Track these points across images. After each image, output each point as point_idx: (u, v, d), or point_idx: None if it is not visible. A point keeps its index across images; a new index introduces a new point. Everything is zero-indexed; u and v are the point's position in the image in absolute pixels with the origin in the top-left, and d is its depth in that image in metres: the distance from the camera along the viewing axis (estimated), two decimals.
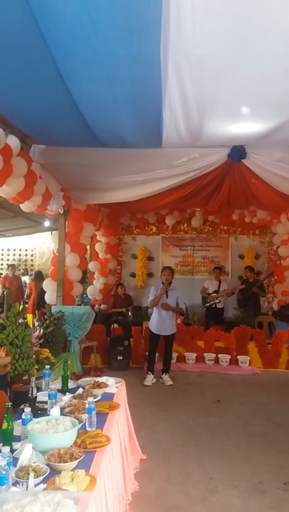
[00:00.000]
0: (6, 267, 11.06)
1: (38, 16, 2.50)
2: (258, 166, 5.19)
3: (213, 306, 8.04)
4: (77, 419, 2.43)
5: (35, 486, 1.82)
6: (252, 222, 9.54)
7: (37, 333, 4.59)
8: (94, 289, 9.58)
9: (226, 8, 2.43)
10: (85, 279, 9.35)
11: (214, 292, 8.04)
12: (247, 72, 3.13)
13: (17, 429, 2.33)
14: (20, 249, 12.53)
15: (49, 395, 2.77)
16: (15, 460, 1.99)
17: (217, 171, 5.51)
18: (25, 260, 12.45)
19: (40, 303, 8.55)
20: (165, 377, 6.11)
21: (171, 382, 6.03)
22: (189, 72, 3.11)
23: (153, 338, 6.22)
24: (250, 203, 7.85)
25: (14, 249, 12.54)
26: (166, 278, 6.11)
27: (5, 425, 2.17)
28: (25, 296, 10.47)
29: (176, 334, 6.29)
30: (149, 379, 6.08)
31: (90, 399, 2.55)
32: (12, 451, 2.06)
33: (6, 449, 1.89)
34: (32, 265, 12.42)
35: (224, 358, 6.84)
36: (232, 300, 8.71)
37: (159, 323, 6.11)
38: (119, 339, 6.94)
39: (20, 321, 3.81)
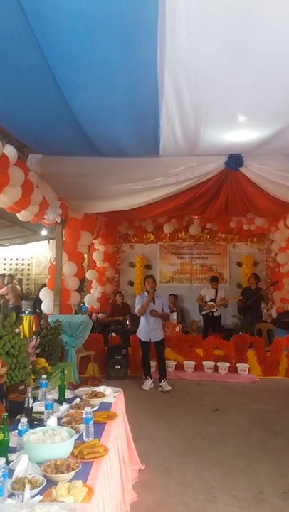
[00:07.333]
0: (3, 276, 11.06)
1: (35, 27, 2.52)
2: (255, 174, 5.22)
3: (210, 314, 8.02)
4: (75, 430, 2.40)
5: (32, 497, 1.79)
6: (250, 230, 9.56)
7: (33, 342, 4.56)
8: (91, 298, 9.56)
9: (221, 18, 2.46)
10: (83, 287, 9.32)
11: (211, 300, 8.02)
12: (243, 80, 3.15)
13: (13, 440, 2.29)
14: (17, 259, 12.50)
15: (46, 405, 2.74)
16: (10, 472, 1.96)
17: (214, 179, 5.53)
18: (22, 269, 12.42)
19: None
20: (163, 383, 6.12)
21: (169, 388, 6.05)
22: (185, 81, 3.14)
23: (144, 345, 6.34)
24: (248, 211, 7.88)
25: (11, 259, 12.50)
26: (150, 286, 6.28)
27: (0, 436, 2.14)
28: None
29: (174, 342, 6.28)
30: (148, 383, 6.19)
31: (88, 409, 2.52)
32: (8, 462, 2.03)
33: (2, 461, 1.86)
34: (29, 274, 12.40)
35: (223, 366, 6.80)
36: (231, 308, 8.68)
37: (148, 330, 6.24)
38: (117, 348, 6.90)
39: (17, 330, 3.79)
